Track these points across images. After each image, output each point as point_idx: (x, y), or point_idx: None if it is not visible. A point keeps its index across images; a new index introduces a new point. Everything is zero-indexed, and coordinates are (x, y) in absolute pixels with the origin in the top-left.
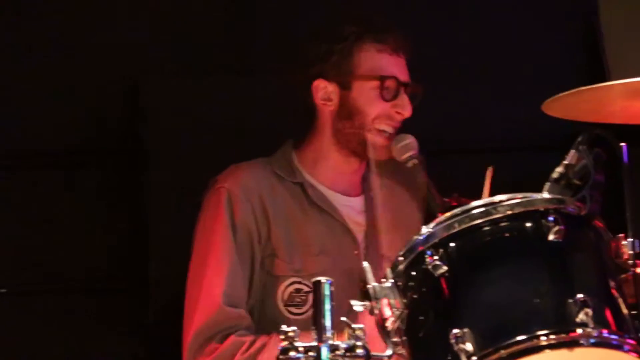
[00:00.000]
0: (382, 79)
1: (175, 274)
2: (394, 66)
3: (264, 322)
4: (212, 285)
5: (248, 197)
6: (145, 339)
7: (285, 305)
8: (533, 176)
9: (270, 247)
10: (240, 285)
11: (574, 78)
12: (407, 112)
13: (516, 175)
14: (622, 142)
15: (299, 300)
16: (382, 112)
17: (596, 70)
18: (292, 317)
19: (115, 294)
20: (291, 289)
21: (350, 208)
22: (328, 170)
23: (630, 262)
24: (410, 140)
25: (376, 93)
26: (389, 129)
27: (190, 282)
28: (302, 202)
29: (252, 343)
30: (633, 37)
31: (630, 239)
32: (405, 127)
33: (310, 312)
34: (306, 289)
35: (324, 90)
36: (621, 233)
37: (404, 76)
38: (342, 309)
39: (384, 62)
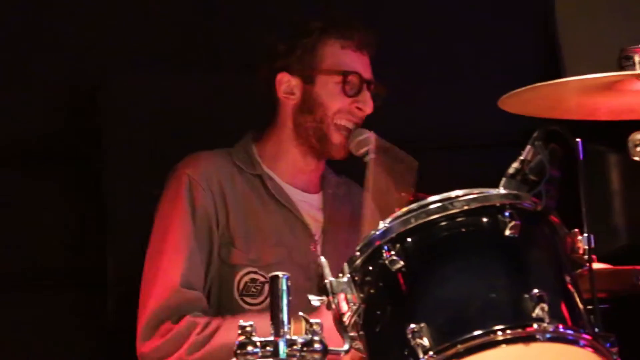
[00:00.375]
0: (345, 74)
1: (133, 268)
2: (357, 63)
3: (220, 311)
4: (170, 267)
5: (208, 184)
6: (104, 331)
7: (241, 295)
8: (491, 172)
9: (227, 236)
10: (199, 270)
11: (531, 74)
12: (368, 108)
13: (474, 171)
14: (577, 138)
15: (254, 290)
16: (343, 106)
17: (552, 66)
18: (247, 307)
19: (75, 288)
20: (247, 278)
21: (308, 204)
22: (287, 166)
23: (586, 257)
24: (367, 135)
25: (339, 88)
26: (349, 125)
27: (147, 264)
28: (261, 194)
29: (207, 324)
30: (588, 33)
31: (585, 234)
32: (363, 123)
33: (265, 303)
34: (262, 279)
35: (287, 84)
36: (577, 228)
37: (367, 74)
38: (296, 303)
39: (348, 58)
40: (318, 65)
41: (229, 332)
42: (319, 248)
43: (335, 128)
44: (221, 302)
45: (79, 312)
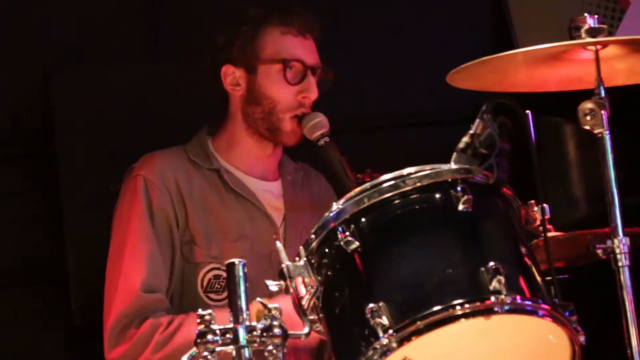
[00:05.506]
0: (285, 62)
1: (94, 264)
2: (300, 48)
3: (184, 309)
4: (131, 273)
5: (165, 184)
6: (68, 330)
7: (205, 291)
8: (445, 148)
9: (188, 234)
10: (160, 272)
11: (483, 48)
12: (312, 95)
13: (427, 148)
14: (528, 109)
15: (218, 286)
16: (288, 98)
17: (504, 38)
18: (212, 303)
19: (36, 287)
20: (210, 275)
21: (269, 192)
22: (243, 155)
23: (541, 227)
24: (320, 118)
25: (281, 77)
26: (299, 112)
27: (109, 270)
28: (219, 189)
29: (170, 322)
30: (539, 4)
31: (540, 205)
32: (314, 104)
33: None
34: (225, 274)
35: (232, 76)
36: (531, 199)
37: (311, 59)
38: (262, 293)
39: (288, 45)
40: (259, 54)
41: (191, 327)
42: (280, 236)
43: (286, 118)
44: (185, 300)
45: (42, 310)
